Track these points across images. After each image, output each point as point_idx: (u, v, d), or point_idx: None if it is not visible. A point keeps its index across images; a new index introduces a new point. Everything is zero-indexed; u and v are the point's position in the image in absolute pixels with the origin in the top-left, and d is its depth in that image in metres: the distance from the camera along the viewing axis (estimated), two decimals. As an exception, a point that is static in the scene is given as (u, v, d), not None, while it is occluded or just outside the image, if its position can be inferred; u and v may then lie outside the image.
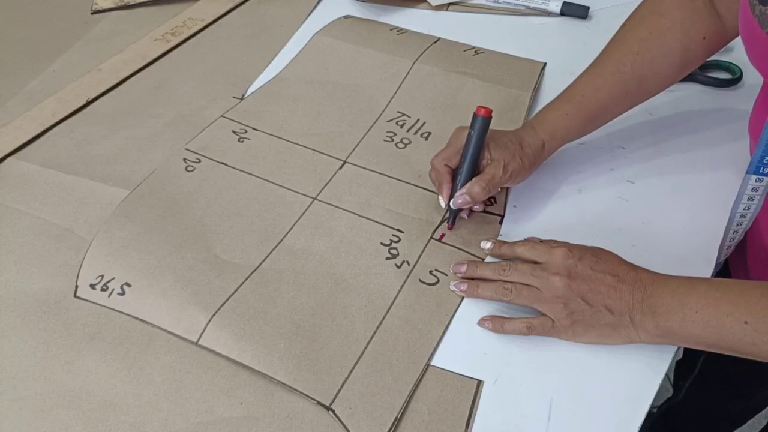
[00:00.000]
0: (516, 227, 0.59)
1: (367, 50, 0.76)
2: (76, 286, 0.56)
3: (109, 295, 0.55)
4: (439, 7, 0.84)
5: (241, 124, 0.70)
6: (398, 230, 0.59)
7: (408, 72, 0.74)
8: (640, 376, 0.49)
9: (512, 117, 0.68)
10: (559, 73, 0.74)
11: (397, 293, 0.54)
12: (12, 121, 0.70)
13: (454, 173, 0.58)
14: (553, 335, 0.51)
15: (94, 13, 0.86)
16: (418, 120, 0.69)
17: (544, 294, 0.49)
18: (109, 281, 0.55)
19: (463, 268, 0.54)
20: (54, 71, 0.78)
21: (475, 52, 0.76)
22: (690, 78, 0.70)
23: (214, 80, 0.76)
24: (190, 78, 0.76)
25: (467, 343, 0.52)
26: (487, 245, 0.56)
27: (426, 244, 0.58)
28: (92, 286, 0.55)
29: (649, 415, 0.48)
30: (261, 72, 0.76)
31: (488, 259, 0.56)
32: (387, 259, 0.57)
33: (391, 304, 0.54)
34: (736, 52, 0.61)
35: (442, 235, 0.58)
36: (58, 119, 0.71)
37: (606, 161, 0.64)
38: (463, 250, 0.57)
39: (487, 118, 0.56)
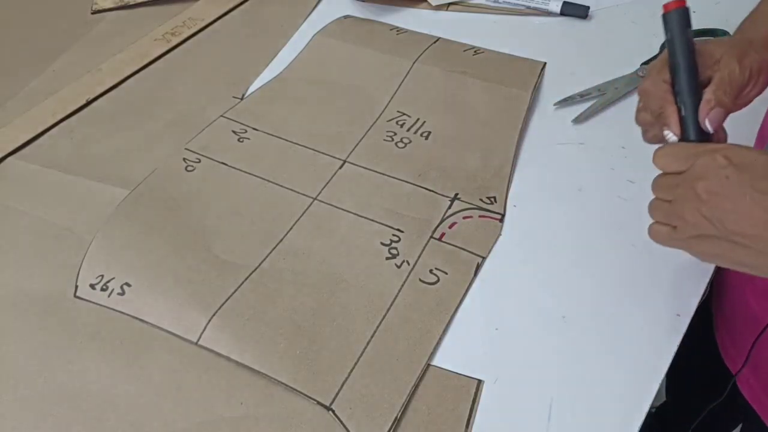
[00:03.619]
0: (516, 227, 0.59)
1: (367, 50, 0.76)
2: (76, 286, 0.56)
3: (109, 295, 0.55)
4: (439, 7, 0.84)
5: (241, 124, 0.70)
6: (398, 230, 0.59)
7: (408, 72, 0.74)
8: (640, 376, 0.49)
9: (512, 117, 0.68)
10: (559, 73, 0.74)
11: (397, 293, 0.54)
12: (12, 121, 0.70)
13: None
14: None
15: (94, 13, 0.86)
16: (418, 119, 0.69)
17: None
18: (109, 281, 0.55)
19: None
20: (54, 71, 0.77)
21: (475, 52, 0.76)
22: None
23: (214, 80, 0.76)
24: (190, 78, 0.76)
25: (467, 343, 0.52)
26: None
27: (426, 244, 0.58)
28: (92, 286, 0.55)
29: (649, 415, 0.48)
30: (261, 72, 0.76)
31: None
32: (387, 259, 0.57)
33: (391, 304, 0.54)
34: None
35: (442, 235, 0.58)
36: (58, 119, 0.71)
37: (606, 161, 0.64)
38: (463, 250, 0.57)
39: (682, 9, 0.44)
